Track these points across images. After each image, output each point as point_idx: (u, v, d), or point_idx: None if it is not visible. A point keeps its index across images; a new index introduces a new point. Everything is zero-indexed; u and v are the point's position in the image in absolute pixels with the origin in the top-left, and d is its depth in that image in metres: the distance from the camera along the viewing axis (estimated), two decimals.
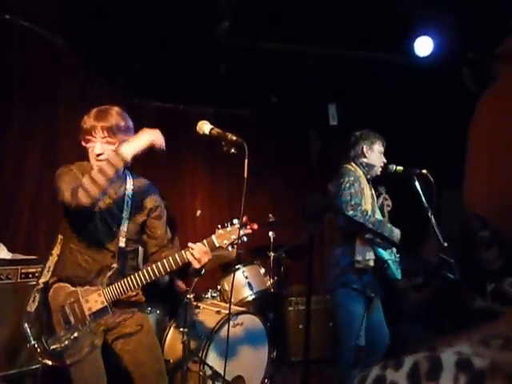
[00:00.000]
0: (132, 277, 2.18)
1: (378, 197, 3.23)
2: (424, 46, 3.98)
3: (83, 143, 2.20)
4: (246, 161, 1.81)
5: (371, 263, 2.92)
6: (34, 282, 2.30)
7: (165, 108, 5.05)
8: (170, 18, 3.86)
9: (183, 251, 2.19)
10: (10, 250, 3.24)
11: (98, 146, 2.15)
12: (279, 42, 4.16)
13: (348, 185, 2.96)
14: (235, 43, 4.02)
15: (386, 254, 3.03)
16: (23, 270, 3.09)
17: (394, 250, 3.10)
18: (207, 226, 4.81)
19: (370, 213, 2.96)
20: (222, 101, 4.99)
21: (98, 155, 2.15)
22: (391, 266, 3.04)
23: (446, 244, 2.68)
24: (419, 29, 3.95)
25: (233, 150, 1.92)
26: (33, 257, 3.21)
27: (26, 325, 2.16)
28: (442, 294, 3.88)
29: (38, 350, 2.13)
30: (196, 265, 2.17)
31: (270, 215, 4.03)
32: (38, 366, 2.90)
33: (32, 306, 2.19)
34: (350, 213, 2.86)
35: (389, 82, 4.43)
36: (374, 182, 3.25)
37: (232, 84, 4.59)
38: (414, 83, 4.25)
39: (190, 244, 2.18)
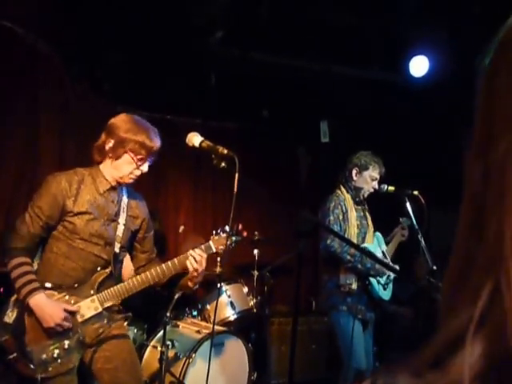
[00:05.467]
0: (128, 282, 2.16)
1: (397, 225, 3.21)
2: (419, 66, 3.95)
3: (132, 158, 2.21)
4: (237, 175, 1.77)
5: (354, 286, 2.94)
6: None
7: (151, 118, 4.87)
8: (160, 26, 3.80)
9: (181, 256, 2.22)
10: None
11: (147, 166, 2.28)
12: (272, 55, 4.13)
13: (328, 212, 2.99)
14: (227, 54, 3.97)
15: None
16: None
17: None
18: (190, 242, 4.67)
19: (354, 237, 2.99)
20: (211, 112, 4.90)
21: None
22: (374, 286, 3.00)
23: (435, 267, 2.63)
24: (415, 48, 3.93)
25: (223, 164, 1.91)
26: None
27: (3, 338, 2.03)
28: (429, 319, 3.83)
29: (20, 361, 2.01)
30: (193, 273, 2.20)
31: (256, 233, 3.94)
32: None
33: (10, 317, 2.07)
34: (328, 242, 2.90)
35: (383, 101, 4.41)
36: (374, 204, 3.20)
37: (222, 95, 4.52)
38: (409, 102, 4.24)
39: (190, 251, 2.23)
